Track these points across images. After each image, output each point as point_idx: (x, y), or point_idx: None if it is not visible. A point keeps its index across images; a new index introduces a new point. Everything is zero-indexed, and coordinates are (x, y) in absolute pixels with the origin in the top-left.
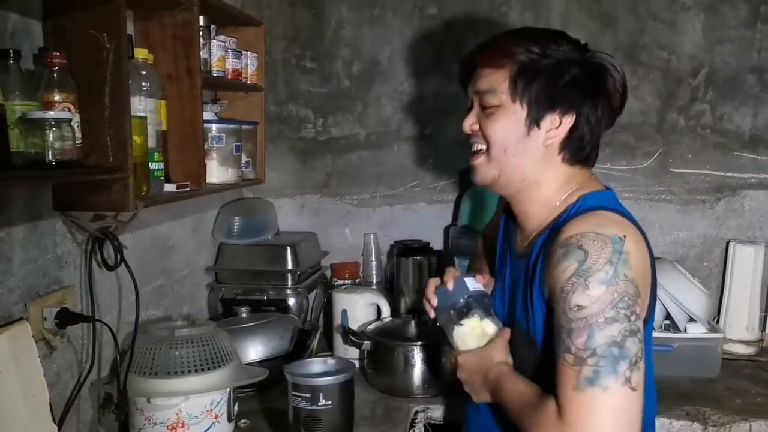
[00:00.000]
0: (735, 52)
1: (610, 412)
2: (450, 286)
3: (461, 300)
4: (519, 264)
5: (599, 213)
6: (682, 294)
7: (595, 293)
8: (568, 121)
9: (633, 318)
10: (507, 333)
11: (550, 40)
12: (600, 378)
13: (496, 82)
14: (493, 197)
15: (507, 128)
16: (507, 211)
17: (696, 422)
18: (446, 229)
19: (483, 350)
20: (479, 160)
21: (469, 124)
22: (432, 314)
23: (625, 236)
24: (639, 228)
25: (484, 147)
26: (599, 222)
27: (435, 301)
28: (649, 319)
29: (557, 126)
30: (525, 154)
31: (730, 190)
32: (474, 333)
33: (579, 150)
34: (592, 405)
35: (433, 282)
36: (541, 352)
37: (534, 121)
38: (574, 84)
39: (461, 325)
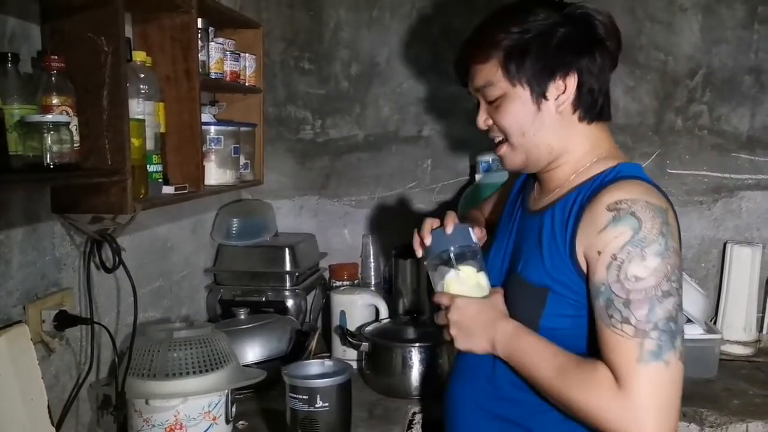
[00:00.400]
0: (732, 53)
1: (671, 385)
2: (450, 229)
3: (459, 247)
4: (531, 220)
5: (642, 182)
6: None
7: (651, 264)
8: (572, 81)
9: (680, 291)
10: (501, 292)
11: (526, 14)
12: (663, 352)
13: (490, 73)
14: None
15: (517, 113)
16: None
17: (693, 423)
18: None
19: (487, 299)
20: (503, 150)
21: (483, 120)
22: (419, 253)
23: (667, 209)
24: (666, 197)
25: (501, 137)
26: (646, 191)
27: (428, 241)
28: None
29: (563, 91)
30: (543, 129)
31: (727, 191)
32: (469, 281)
33: (592, 104)
34: (657, 378)
35: (430, 222)
36: (550, 307)
37: (539, 95)
38: (564, 45)
39: (458, 270)
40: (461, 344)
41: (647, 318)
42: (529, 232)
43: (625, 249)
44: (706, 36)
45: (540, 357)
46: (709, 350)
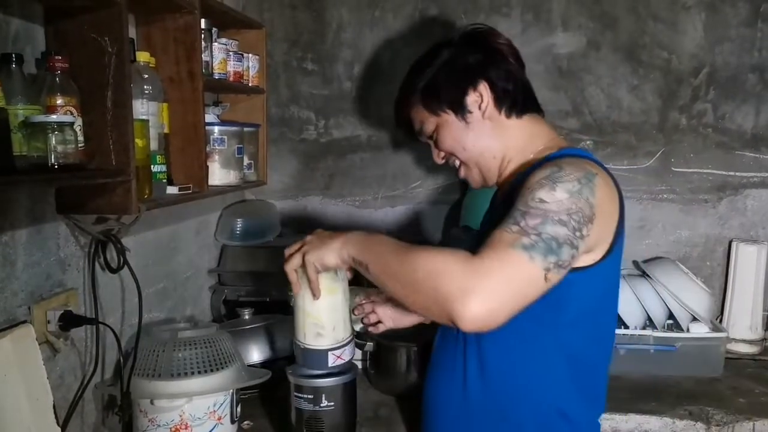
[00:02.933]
0: (736, 51)
1: (523, 278)
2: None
3: None
4: (493, 210)
5: (581, 158)
6: (685, 293)
7: (558, 196)
8: (484, 89)
9: (578, 234)
10: None
11: (434, 56)
12: (533, 250)
13: (420, 115)
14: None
15: (452, 134)
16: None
17: (699, 422)
18: (448, 230)
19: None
20: (462, 172)
21: (436, 155)
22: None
23: (597, 174)
24: (614, 181)
25: (457, 161)
26: (580, 161)
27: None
28: (603, 261)
29: (481, 99)
30: (480, 137)
31: (732, 189)
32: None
33: (513, 102)
34: (515, 262)
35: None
36: None
37: (462, 112)
38: (465, 64)
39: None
40: (312, 257)
41: (535, 226)
42: (487, 216)
43: (540, 181)
44: (710, 34)
45: (393, 242)
46: (714, 349)
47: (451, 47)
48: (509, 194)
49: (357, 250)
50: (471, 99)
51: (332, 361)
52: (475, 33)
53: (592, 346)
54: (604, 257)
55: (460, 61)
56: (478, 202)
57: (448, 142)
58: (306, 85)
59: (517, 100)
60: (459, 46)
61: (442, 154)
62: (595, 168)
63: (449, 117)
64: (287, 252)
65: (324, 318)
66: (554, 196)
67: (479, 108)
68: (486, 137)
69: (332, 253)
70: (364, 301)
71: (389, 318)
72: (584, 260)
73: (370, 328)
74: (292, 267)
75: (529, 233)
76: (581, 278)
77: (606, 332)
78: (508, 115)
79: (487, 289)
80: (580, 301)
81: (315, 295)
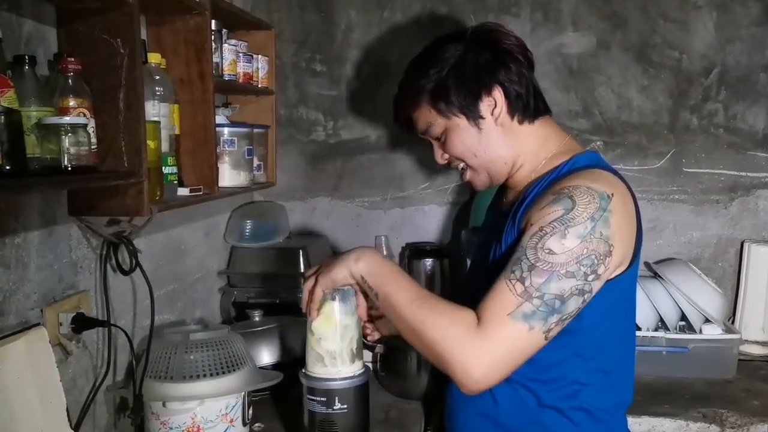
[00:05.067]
0: (747, 51)
1: (522, 347)
2: None
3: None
4: (499, 219)
5: (594, 170)
6: (697, 295)
7: (568, 244)
8: (498, 94)
9: (591, 278)
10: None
11: (437, 53)
12: (533, 319)
13: (426, 117)
14: None
15: (463, 140)
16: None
17: (713, 424)
18: (457, 231)
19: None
20: (468, 175)
21: (439, 156)
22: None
23: (612, 194)
24: (627, 186)
25: (462, 164)
26: (593, 178)
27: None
28: (628, 271)
29: (494, 105)
30: (492, 144)
31: (744, 189)
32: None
33: (525, 106)
34: (514, 335)
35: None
36: None
37: (475, 118)
38: (478, 67)
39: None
40: (324, 282)
41: (539, 286)
42: (496, 230)
43: (552, 224)
44: (721, 34)
45: (404, 280)
46: (727, 350)
47: (460, 46)
48: (519, 206)
49: (369, 273)
50: (485, 104)
51: None
52: (486, 32)
53: (614, 345)
54: (629, 266)
55: (471, 63)
56: (488, 204)
57: (458, 148)
58: (314, 86)
59: (530, 104)
60: (469, 45)
61: (446, 155)
62: (609, 184)
63: (461, 121)
64: (306, 274)
65: (329, 346)
66: (563, 246)
67: (492, 114)
68: (498, 144)
69: (343, 267)
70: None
71: (384, 326)
72: (612, 274)
73: (368, 338)
74: (306, 288)
75: (532, 296)
76: (608, 287)
77: (627, 328)
78: (521, 121)
79: (488, 363)
80: (605, 305)
81: (310, 314)
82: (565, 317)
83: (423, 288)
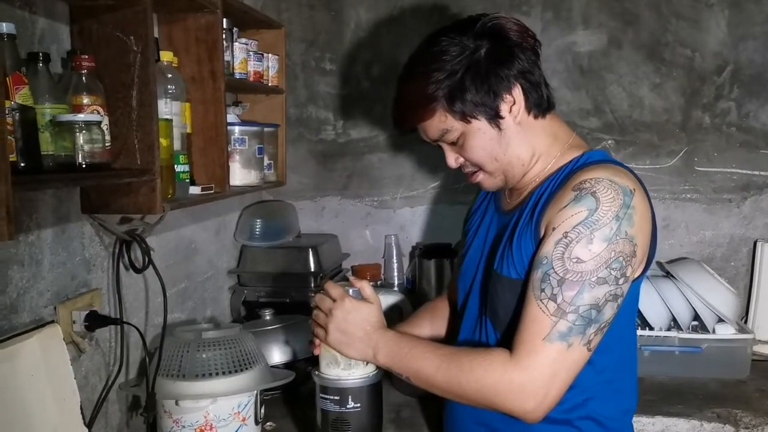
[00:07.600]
0: (760, 48)
1: (566, 365)
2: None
3: None
4: (504, 219)
5: (611, 165)
6: (710, 294)
7: (596, 249)
8: (517, 90)
9: (621, 281)
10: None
11: (441, 55)
12: (570, 335)
13: (442, 123)
14: None
15: (483, 144)
16: None
17: (728, 424)
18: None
19: (373, 306)
20: (480, 177)
21: (453, 160)
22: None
23: (634, 190)
24: (642, 184)
25: (476, 168)
26: (614, 172)
27: None
28: (644, 272)
29: (514, 102)
30: (511, 145)
31: (756, 188)
32: None
33: (540, 99)
34: (554, 357)
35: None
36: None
37: (494, 118)
38: (493, 64)
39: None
40: (342, 348)
41: (572, 300)
42: (503, 230)
43: (576, 228)
44: (733, 32)
45: (423, 350)
46: (740, 350)
47: (467, 42)
48: (534, 204)
49: (393, 363)
50: (504, 103)
51: None
52: (495, 26)
53: (622, 351)
54: (645, 268)
55: (485, 60)
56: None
57: (478, 153)
58: (324, 86)
59: (543, 96)
60: (478, 40)
61: (461, 159)
62: (630, 179)
63: (480, 124)
64: (317, 302)
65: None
66: (591, 252)
67: (510, 112)
68: (516, 144)
69: (361, 353)
70: None
71: None
72: (635, 275)
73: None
74: (316, 326)
75: (566, 312)
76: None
77: (632, 334)
78: (536, 116)
79: (537, 392)
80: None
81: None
82: (603, 325)
83: (439, 345)
